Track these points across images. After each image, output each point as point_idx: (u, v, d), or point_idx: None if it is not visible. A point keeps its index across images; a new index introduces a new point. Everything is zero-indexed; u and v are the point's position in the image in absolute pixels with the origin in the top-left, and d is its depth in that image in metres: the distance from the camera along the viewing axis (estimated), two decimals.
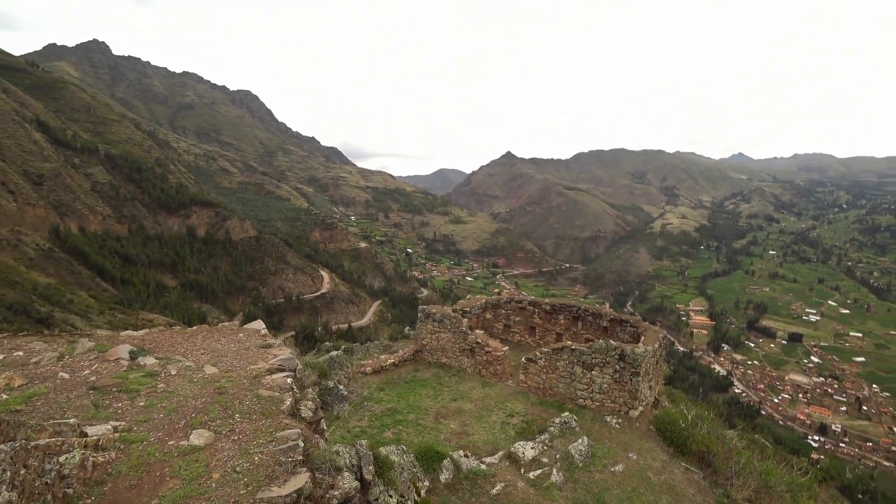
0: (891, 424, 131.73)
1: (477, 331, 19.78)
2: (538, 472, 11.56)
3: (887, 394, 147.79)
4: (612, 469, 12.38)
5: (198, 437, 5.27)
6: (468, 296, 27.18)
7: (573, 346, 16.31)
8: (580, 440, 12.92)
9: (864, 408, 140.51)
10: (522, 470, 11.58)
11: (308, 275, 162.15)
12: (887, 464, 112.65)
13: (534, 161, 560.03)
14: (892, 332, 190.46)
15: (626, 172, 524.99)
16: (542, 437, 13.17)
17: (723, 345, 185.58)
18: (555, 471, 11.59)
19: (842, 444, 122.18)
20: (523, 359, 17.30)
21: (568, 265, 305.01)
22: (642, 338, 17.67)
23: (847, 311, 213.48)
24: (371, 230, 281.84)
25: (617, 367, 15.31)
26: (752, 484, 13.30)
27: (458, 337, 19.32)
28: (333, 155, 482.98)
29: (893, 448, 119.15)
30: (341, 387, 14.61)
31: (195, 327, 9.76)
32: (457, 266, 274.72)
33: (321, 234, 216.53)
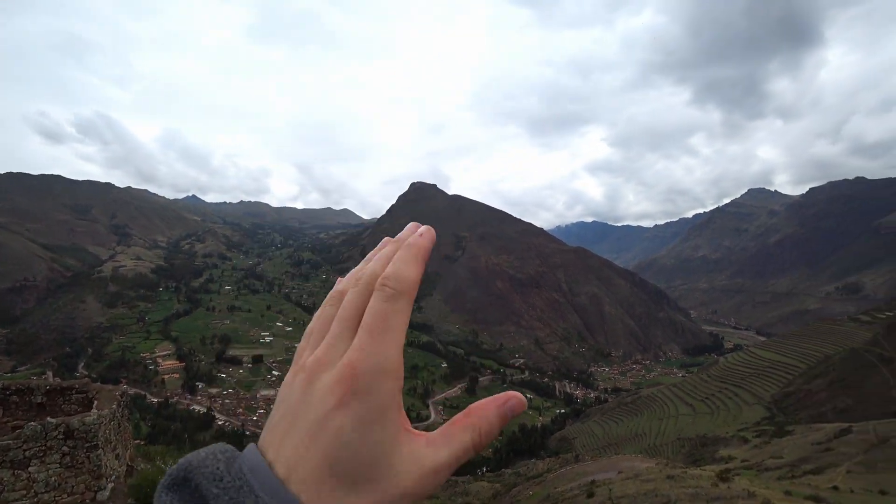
0: None
1: None
2: None
3: None
4: None
5: None
6: None
7: None
8: None
9: None
10: None
11: None
12: None
13: None
14: None
15: (63, 206, 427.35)
16: None
17: (197, 383, 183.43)
18: None
19: None
20: None
21: None
22: (95, 402, 15.05)
23: (291, 329, 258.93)
24: None
25: (65, 448, 12.12)
26: None
27: None
28: None
29: None
30: None
31: None
32: None
33: None
